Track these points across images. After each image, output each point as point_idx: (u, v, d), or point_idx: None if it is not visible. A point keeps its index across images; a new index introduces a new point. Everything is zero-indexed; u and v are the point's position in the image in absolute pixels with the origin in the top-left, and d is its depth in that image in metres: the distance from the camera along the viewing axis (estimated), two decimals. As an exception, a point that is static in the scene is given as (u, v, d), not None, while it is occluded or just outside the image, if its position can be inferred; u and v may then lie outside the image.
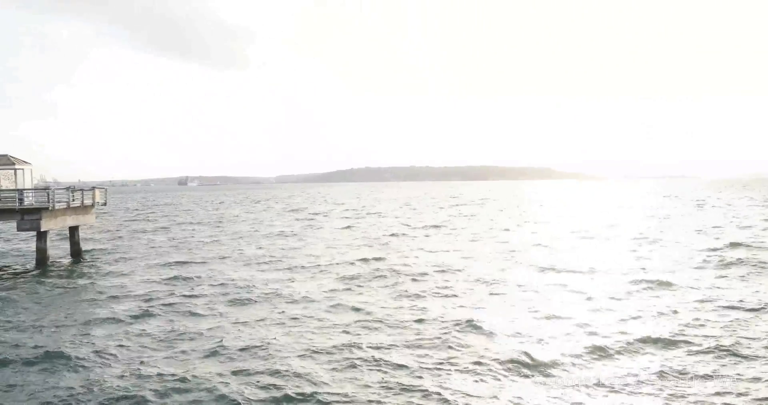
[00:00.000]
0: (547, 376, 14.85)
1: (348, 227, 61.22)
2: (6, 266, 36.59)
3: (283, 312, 22.35)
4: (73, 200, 37.31)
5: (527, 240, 45.08)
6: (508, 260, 34.63)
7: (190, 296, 25.67)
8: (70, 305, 24.26)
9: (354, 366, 15.81)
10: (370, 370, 15.52)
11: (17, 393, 14.38)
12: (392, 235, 51.55)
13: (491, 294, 25.07)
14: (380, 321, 20.60)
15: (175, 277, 30.57)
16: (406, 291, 25.82)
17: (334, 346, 17.60)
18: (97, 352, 17.50)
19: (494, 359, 16.02)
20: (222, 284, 28.38)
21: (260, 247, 43.09)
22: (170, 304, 23.86)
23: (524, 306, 22.34)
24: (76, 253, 40.07)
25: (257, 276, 30.66)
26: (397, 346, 17.49)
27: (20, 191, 34.99)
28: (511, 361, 15.79)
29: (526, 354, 16.18)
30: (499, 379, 14.74)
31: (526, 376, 14.90)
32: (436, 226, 60.16)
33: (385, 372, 15.34)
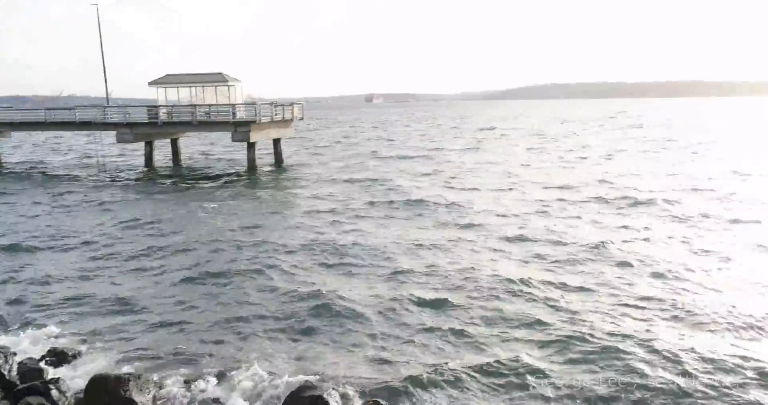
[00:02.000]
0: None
1: (536, 150, 59.77)
2: (224, 170, 42.06)
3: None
4: (276, 115, 41.03)
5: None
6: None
7: (380, 207, 27.54)
8: (275, 210, 27.39)
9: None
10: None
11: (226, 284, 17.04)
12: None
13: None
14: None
15: (363, 190, 32.85)
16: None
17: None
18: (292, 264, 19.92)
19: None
20: (444, 206, 26.65)
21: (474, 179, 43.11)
22: (355, 210, 26.08)
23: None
24: (279, 163, 44.48)
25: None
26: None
27: (233, 106, 39.33)
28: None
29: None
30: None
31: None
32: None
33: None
